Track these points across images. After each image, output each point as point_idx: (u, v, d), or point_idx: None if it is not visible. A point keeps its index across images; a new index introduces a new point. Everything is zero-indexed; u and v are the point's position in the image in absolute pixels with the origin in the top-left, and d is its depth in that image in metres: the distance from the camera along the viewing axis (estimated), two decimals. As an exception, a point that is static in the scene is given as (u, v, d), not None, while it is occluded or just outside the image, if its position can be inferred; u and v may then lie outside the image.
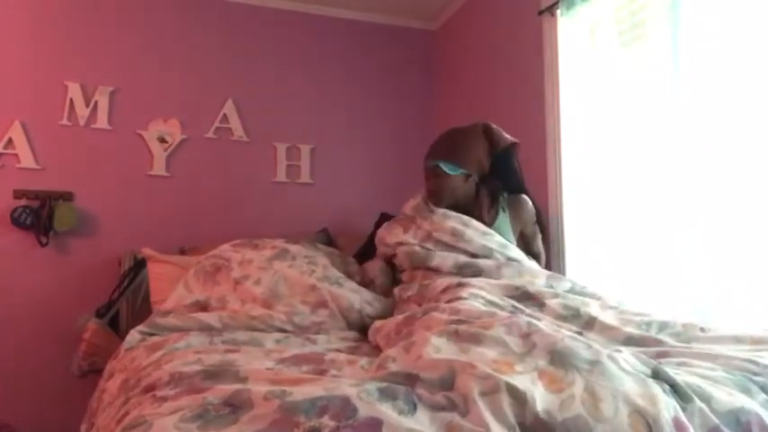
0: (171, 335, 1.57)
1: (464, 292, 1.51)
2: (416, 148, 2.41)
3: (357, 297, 1.84)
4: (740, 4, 1.63)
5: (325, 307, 1.79)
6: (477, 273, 1.78)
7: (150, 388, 1.07)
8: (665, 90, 1.83)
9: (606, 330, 1.36)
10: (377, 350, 1.41)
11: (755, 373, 1.02)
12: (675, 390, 0.91)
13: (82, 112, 2.80)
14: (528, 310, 1.46)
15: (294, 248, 2.10)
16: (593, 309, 1.46)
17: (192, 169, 2.97)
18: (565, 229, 2.28)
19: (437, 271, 1.85)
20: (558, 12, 2.32)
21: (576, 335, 1.11)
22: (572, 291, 1.67)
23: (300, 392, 0.85)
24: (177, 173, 2.94)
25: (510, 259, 1.86)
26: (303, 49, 3.23)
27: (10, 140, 2.68)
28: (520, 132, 2.20)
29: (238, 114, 3.06)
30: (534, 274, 1.77)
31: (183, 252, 2.67)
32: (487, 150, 2.05)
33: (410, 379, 0.92)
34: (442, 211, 1.99)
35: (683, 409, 0.88)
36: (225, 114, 3.03)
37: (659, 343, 1.27)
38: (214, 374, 1.04)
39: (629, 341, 1.30)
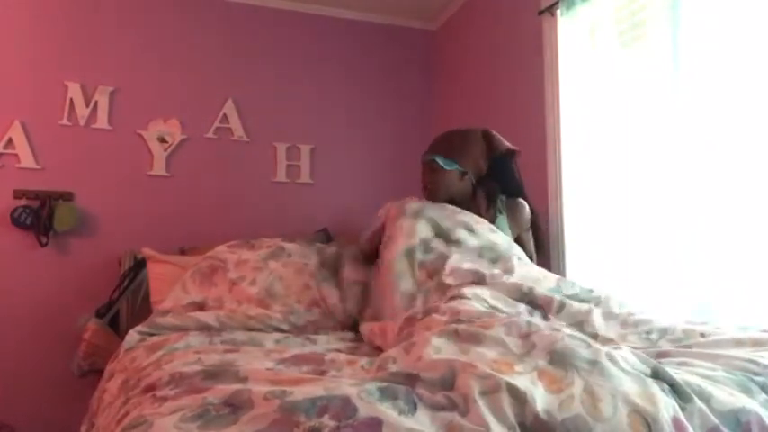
0: (170, 335, 1.57)
1: (467, 291, 1.50)
2: (416, 149, 2.41)
3: (335, 292, 1.87)
4: (740, 4, 1.63)
5: (317, 305, 1.80)
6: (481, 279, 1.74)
7: (150, 388, 1.07)
8: (665, 90, 1.83)
9: (607, 344, 1.35)
10: (377, 350, 1.42)
11: (756, 373, 1.02)
12: (675, 389, 0.91)
13: (82, 112, 2.80)
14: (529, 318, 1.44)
15: (290, 246, 2.11)
16: (596, 322, 1.44)
17: (192, 169, 2.97)
18: (565, 230, 2.28)
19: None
20: (558, 12, 2.32)
21: (575, 333, 1.11)
22: (577, 297, 1.63)
23: (300, 392, 0.85)
24: (177, 173, 2.94)
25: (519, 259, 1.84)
26: (303, 49, 3.23)
27: (10, 140, 2.68)
28: (520, 132, 2.20)
29: (238, 114, 3.06)
30: (544, 277, 1.73)
31: (183, 252, 2.67)
32: (485, 152, 2.05)
33: (410, 379, 0.92)
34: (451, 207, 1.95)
35: (683, 409, 0.88)
36: (225, 114, 3.04)
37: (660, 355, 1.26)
38: (214, 374, 1.04)
39: None
